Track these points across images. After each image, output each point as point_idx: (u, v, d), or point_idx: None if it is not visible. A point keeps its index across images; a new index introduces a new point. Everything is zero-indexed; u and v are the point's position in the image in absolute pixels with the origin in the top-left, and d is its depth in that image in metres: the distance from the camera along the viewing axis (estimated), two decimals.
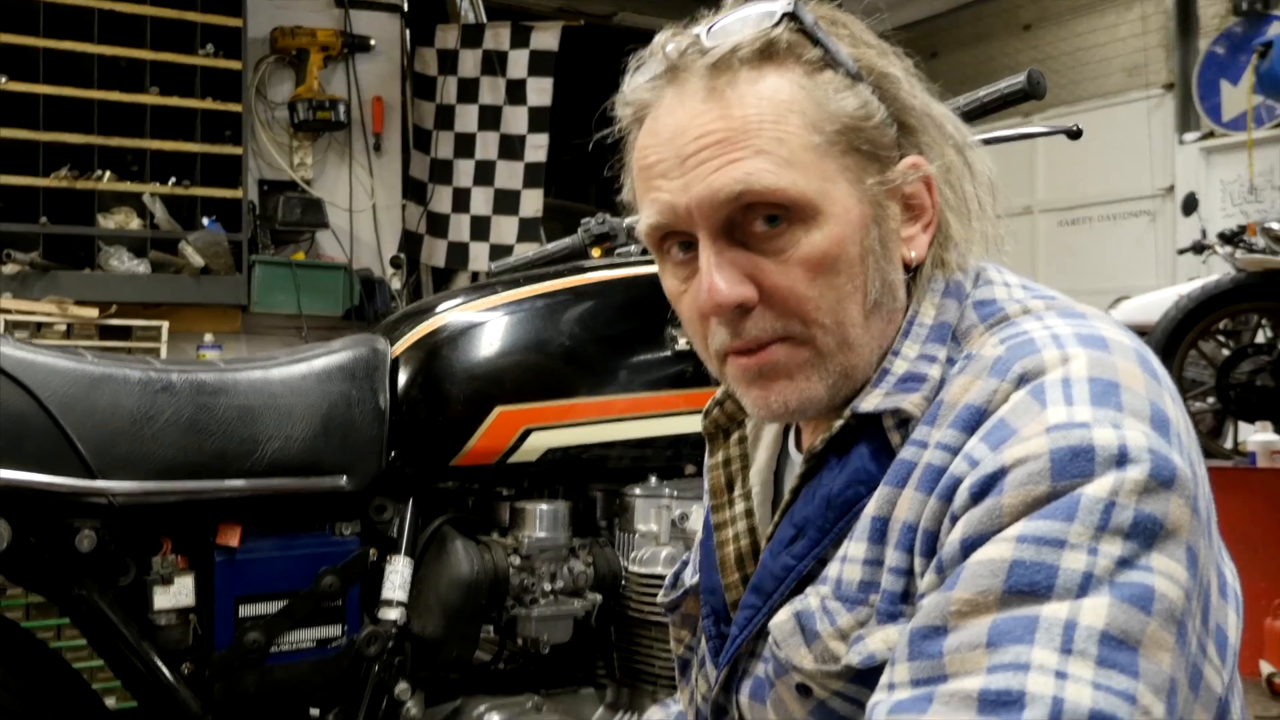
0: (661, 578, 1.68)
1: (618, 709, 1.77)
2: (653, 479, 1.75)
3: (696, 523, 1.72)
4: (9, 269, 3.92)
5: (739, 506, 1.19)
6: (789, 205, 0.85)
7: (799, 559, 1.01)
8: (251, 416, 1.45)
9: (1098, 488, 0.75)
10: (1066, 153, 6.81)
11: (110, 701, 2.23)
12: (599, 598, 1.69)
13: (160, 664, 1.40)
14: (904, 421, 0.94)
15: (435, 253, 5.24)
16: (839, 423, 0.97)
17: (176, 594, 1.41)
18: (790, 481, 1.08)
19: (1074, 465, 0.76)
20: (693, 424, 1.69)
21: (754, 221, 0.86)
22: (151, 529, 1.42)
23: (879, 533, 0.93)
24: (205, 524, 1.45)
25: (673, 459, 1.77)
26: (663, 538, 1.71)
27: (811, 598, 0.98)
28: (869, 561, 0.93)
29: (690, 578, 1.26)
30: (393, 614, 1.54)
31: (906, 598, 0.90)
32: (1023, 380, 0.82)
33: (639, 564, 1.71)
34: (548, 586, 1.65)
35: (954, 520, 0.84)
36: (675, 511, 1.72)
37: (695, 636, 1.27)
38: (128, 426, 1.36)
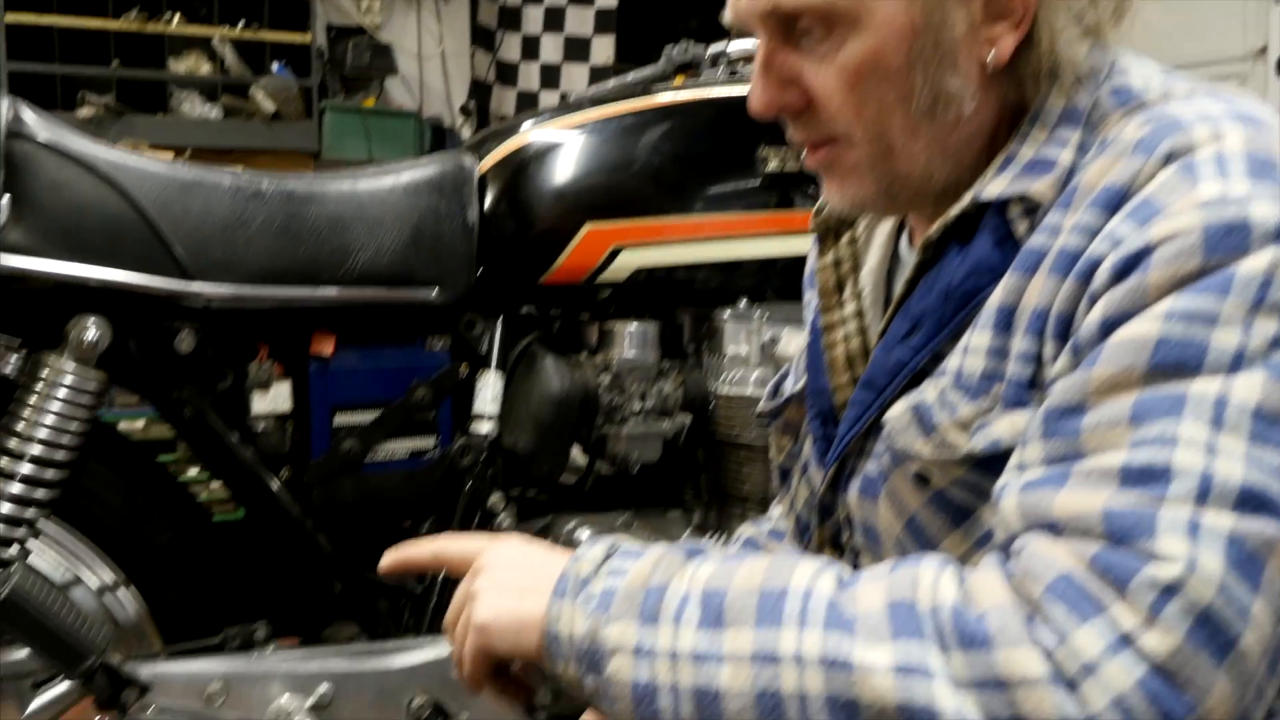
0: (752, 400, 1.66)
1: (706, 529, 1.78)
2: (742, 302, 1.72)
3: (787, 346, 1.69)
4: (84, 112, 3.92)
5: (849, 307, 1.16)
6: (822, 16, 0.85)
7: (914, 352, 0.99)
8: (341, 225, 1.43)
9: (1254, 263, 0.71)
10: (1153, 11, 6.49)
11: None
12: (688, 419, 1.68)
13: (260, 469, 1.42)
14: (1031, 210, 0.90)
15: (504, 102, 5.16)
16: (957, 210, 0.94)
17: (274, 400, 1.41)
18: (903, 282, 1.05)
19: (1228, 240, 0.72)
20: (782, 247, 1.65)
21: (801, 28, 0.86)
22: (247, 335, 1.42)
23: (1004, 322, 0.90)
24: (300, 332, 1.45)
25: (761, 282, 1.74)
26: (752, 361, 1.69)
27: (929, 391, 0.96)
28: (993, 351, 0.91)
29: (792, 385, 1.24)
30: (484, 427, 1.54)
31: (1034, 385, 0.88)
32: (1171, 157, 0.78)
33: (729, 386, 1.69)
34: (637, 406, 1.64)
35: (1093, 301, 0.81)
36: (765, 335, 1.70)
37: (797, 443, 1.26)
38: (221, 231, 1.35)
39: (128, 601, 1.46)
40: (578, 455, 1.66)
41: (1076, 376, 0.77)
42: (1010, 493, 0.79)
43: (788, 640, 0.77)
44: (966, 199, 0.93)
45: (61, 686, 1.44)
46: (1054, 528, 0.74)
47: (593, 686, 0.85)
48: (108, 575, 1.45)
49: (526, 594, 0.90)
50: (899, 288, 1.05)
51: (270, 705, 1.37)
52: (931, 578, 0.77)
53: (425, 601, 1.54)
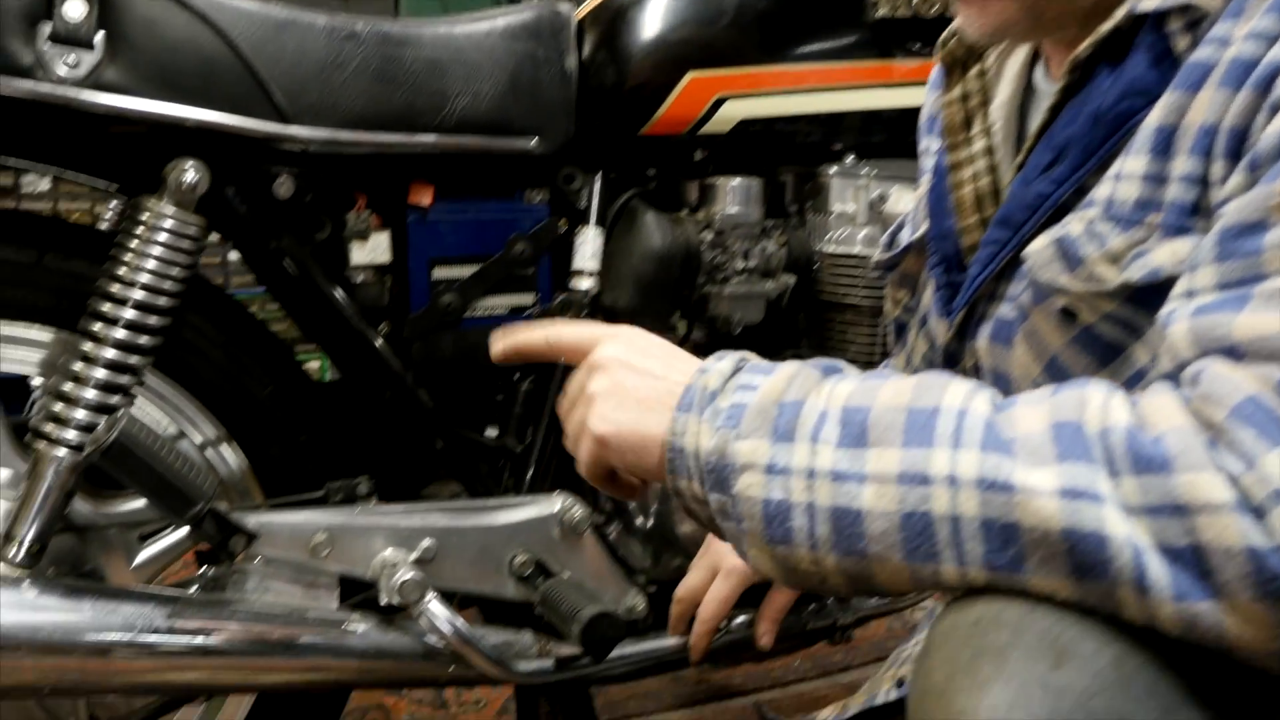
0: (859, 259, 1.60)
1: None
2: (849, 158, 1.64)
3: (895, 203, 1.62)
4: None
5: (978, 144, 1.10)
6: None
7: (1058, 184, 0.93)
8: (439, 70, 1.37)
9: None
10: None
11: None
12: (792, 279, 1.62)
13: (360, 323, 1.39)
14: (1194, 22, 0.83)
15: None
16: (1110, 24, 0.87)
17: (372, 250, 1.38)
18: (1038, 116, 0.99)
19: None
20: (889, 99, 1.57)
21: None
22: (345, 182, 1.38)
23: (1163, 144, 0.83)
24: (397, 181, 1.41)
25: (867, 137, 1.66)
26: (859, 218, 1.62)
27: (1074, 224, 0.90)
28: (1149, 177, 0.84)
29: (910, 234, 1.18)
30: (585, 283, 1.50)
31: (1198, 210, 0.81)
32: None
33: (834, 244, 1.63)
34: (740, 265, 1.59)
35: (1274, 111, 0.74)
36: (873, 191, 1.63)
37: (915, 296, 1.20)
38: (317, 73, 1.30)
39: (230, 457, 1.46)
40: (675, 317, 1.61)
41: (1255, 193, 0.71)
42: (1180, 319, 0.73)
43: (940, 461, 0.72)
44: (1121, 13, 0.87)
45: (169, 539, 1.45)
46: (1235, 351, 0.68)
47: (718, 504, 0.82)
48: (210, 431, 1.44)
49: (648, 409, 0.87)
50: (1035, 120, 1.00)
51: (374, 558, 1.36)
52: (1100, 400, 0.71)
53: (525, 461, 1.51)
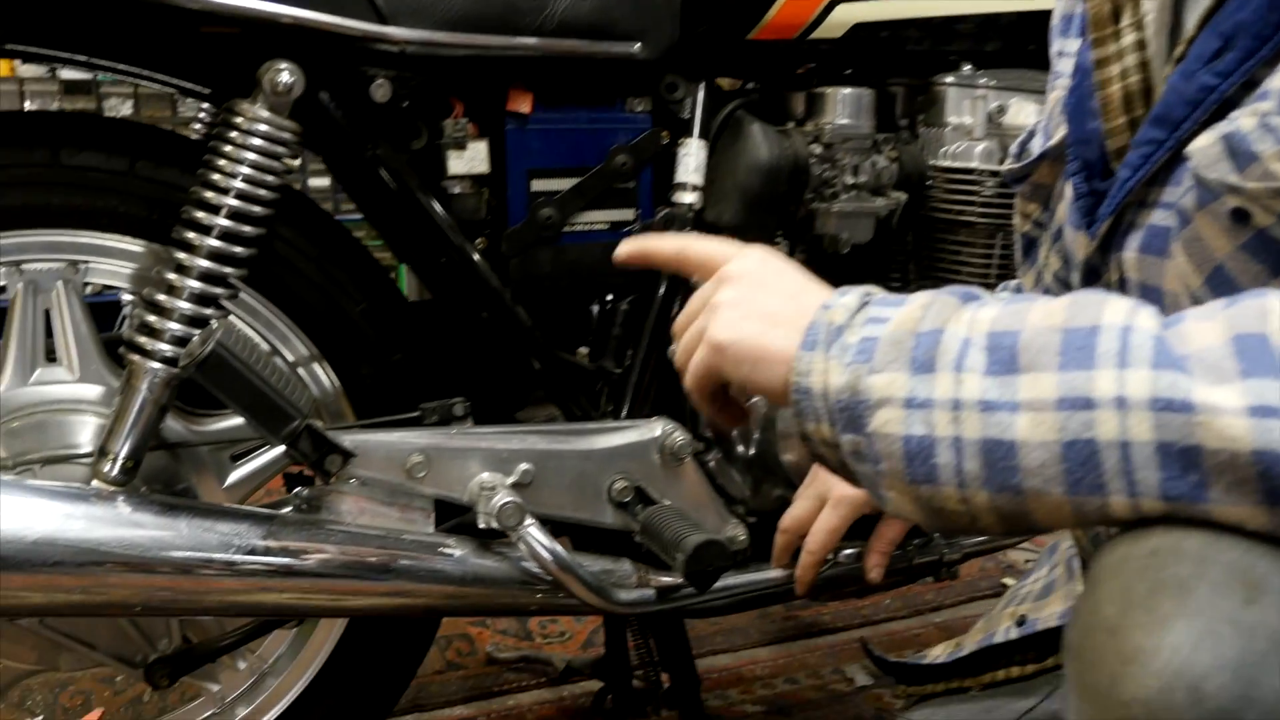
0: (976, 173, 1.51)
1: None
2: (966, 67, 1.55)
3: (1015, 115, 1.53)
4: None
5: (1128, 38, 1.00)
6: None
7: (1224, 76, 0.84)
8: None
9: None
10: None
11: None
12: (903, 196, 1.54)
13: (456, 236, 1.33)
14: None
15: None
16: None
17: (470, 160, 1.32)
18: (1199, 3, 0.90)
19: None
20: (1011, 1, 1.48)
21: None
22: (442, 88, 1.31)
23: None
24: (496, 87, 1.34)
25: (982, 46, 1.56)
26: (977, 131, 1.53)
27: (1243, 119, 0.81)
28: None
29: (1043, 142, 1.09)
30: (688, 197, 1.43)
31: None
32: None
33: (950, 159, 1.54)
34: (849, 180, 1.51)
35: None
36: (992, 103, 1.53)
37: (1047, 209, 1.11)
38: None
39: (322, 377, 1.41)
40: (778, 236, 1.54)
41: None
42: None
43: (1104, 382, 0.65)
44: None
45: (262, 459, 1.41)
46: None
47: (851, 446, 0.75)
48: (301, 349, 1.40)
49: (775, 324, 0.82)
50: (1196, 8, 0.90)
51: (470, 481, 1.32)
52: None
53: (624, 384, 1.45)
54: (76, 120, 1.28)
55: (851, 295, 0.81)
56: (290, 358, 1.39)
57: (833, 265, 1.59)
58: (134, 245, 1.30)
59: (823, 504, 1.36)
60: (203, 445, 1.32)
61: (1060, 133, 1.03)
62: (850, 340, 0.76)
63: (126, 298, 1.55)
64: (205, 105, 1.52)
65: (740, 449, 1.54)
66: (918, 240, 1.61)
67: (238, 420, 1.32)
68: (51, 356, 1.33)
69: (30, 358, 1.32)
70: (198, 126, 1.55)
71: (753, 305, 0.83)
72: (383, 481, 1.29)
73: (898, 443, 0.72)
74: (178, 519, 1.14)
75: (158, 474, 1.33)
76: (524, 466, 1.34)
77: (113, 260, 1.31)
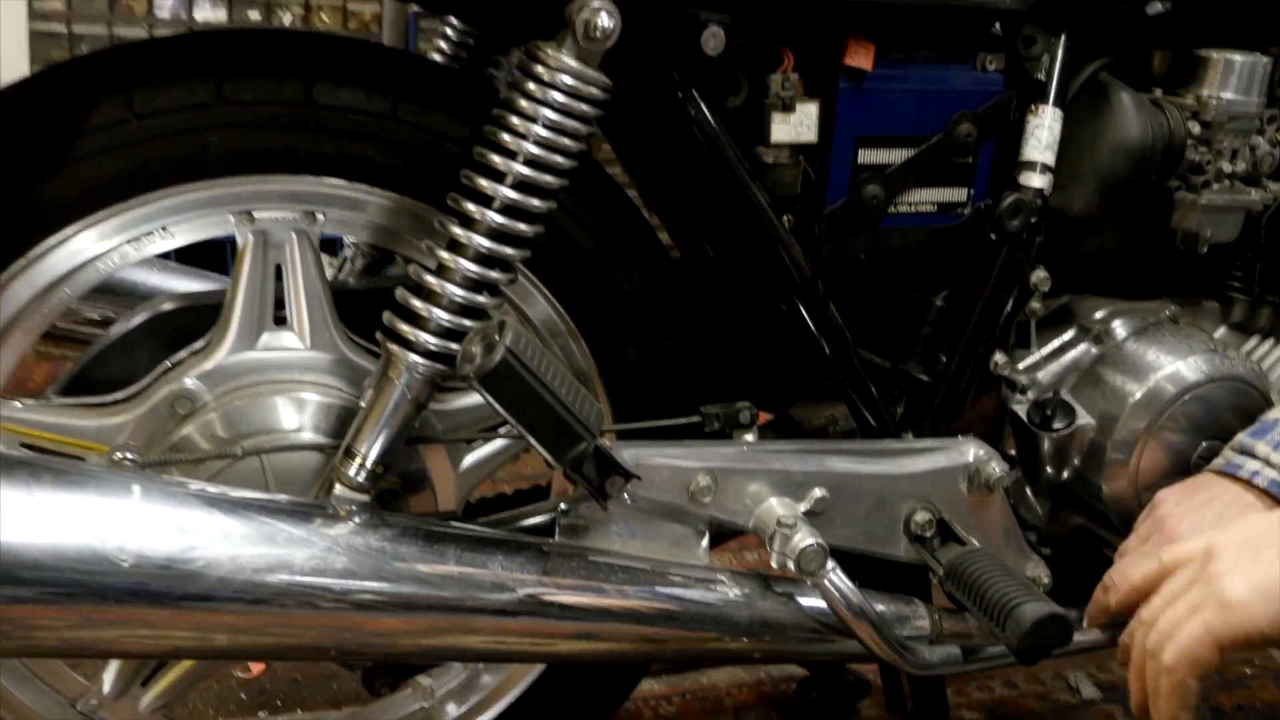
0: None
1: (1251, 332, 1.38)
2: None
3: None
4: None
5: None
6: None
7: None
8: None
9: None
10: None
11: None
12: None
13: (769, 216, 1.09)
14: None
15: None
16: None
17: (796, 125, 1.07)
18: None
19: None
20: None
21: None
22: (772, 34, 1.06)
23: None
24: (834, 37, 1.08)
25: None
26: None
27: None
28: None
29: None
30: (1037, 180, 1.17)
31: None
32: None
33: None
34: (1225, 167, 1.23)
35: None
36: None
37: None
38: None
39: (574, 358, 1.21)
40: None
41: None
42: None
43: None
44: None
45: (499, 443, 1.22)
46: None
47: None
48: (551, 318, 1.19)
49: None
50: None
51: (758, 507, 1.11)
52: None
53: (930, 394, 1.22)
54: (335, 48, 1.06)
55: None
56: (538, 326, 1.18)
57: (1179, 266, 1.33)
58: (384, 199, 1.10)
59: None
60: (455, 439, 1.13)
61: None
62: None
63: (348, 240, 1.35)
64: (451, 21, 1.28)
65: (1049, 472, 1.30)
66: (1276, 239, 1.33)
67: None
68: (280, 320, 1.14)
69: (257, 319, 1.13)
70: (440, 47, 1.31)
71: (1254, 553, 0.76)
72: (658, 502, 1.08)
73: None
74: (444, 552, 0.95)
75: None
76: (818, 493, 1.13)
77: (357, 213, 1.11)
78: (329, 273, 1.19)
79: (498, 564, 0.96)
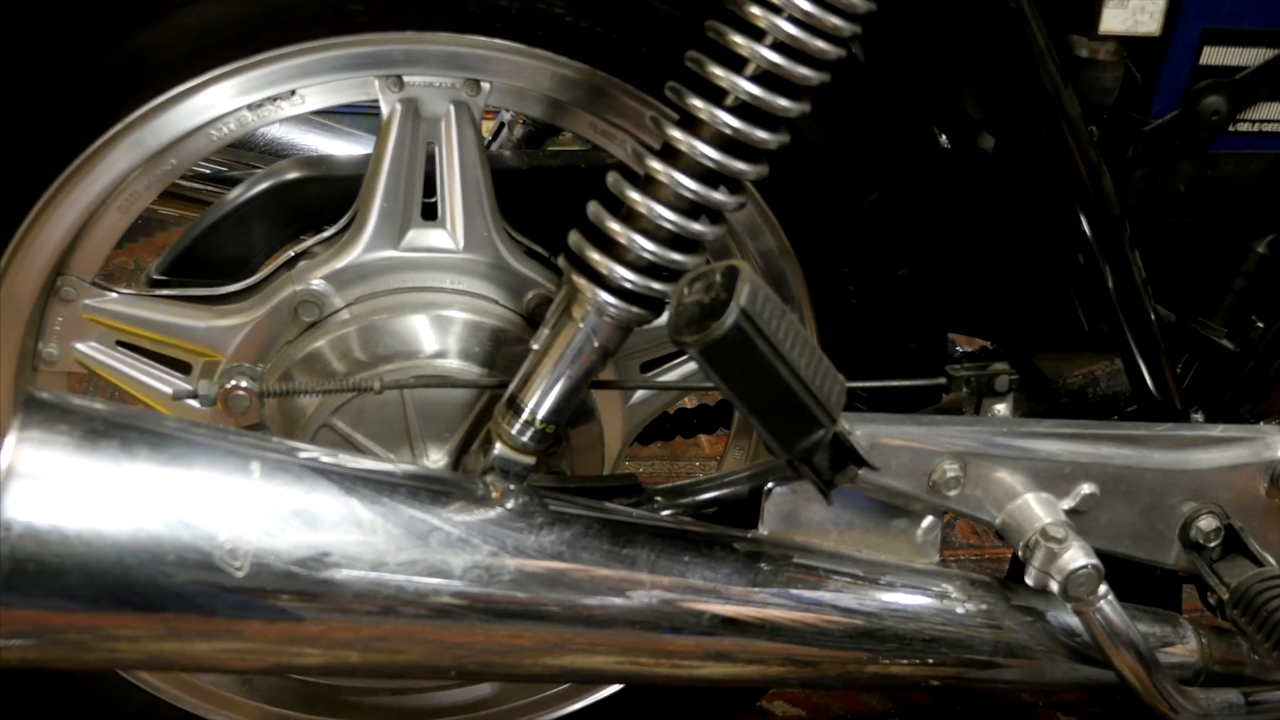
0: None
1: None
2: None
3: None
4: None
5: None
6: None
7: None
8: None
9: None
10: None
11: None
12: None
13: (1077, 123, 0.82)
14: None
15: None
16: None
17: (1137, 11, 0.78)
18: None
19: None
20: None
21: None
22: None
23: None
24: None
25: None
26: None
27: None
28: None
29: None
30: None
31: None
32: None
33: None
34: None
35: None
36: None
37: None
38: None
39: (783, 282, 0.97)
40: None
41: None
42: None
43: None
44: None
45: (679, 369, 1.00)
46: None
47: None
48: (757, 234, 0.94)
49: None
50: None
51: (1011, 504, 0.87)
52: None
53: (1236, 365, 0.96)
54: None
55: None
56: (740, 239, 0.94)
57: None
58: (569, 70, 0.85)
59: None
60: (647, 387, 0.90)
61: None
62: None
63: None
64: None
65: None
66: None
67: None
68: (430, 214, 0.92)
69: (402, 211, 0.91)
70: None
71: None
72: (894, 491, 0.86)
73: None
74: (635, 554, 0.74)
75: None
76: (1086, 489, 0.89)
77: (531, 85, 0.87)
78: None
79: (698, 572, 0.74)
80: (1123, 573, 0.96)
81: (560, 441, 0.94)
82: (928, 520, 0.91)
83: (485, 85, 0.88)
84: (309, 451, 0.68)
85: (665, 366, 1.03)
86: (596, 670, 0.75)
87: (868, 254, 0.95)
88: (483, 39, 0.83)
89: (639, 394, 1.02)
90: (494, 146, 1.26)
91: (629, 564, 0.72)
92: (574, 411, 0.94)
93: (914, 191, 0.93)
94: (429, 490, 0.72)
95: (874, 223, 0.93)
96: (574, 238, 0.78)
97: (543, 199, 1.02)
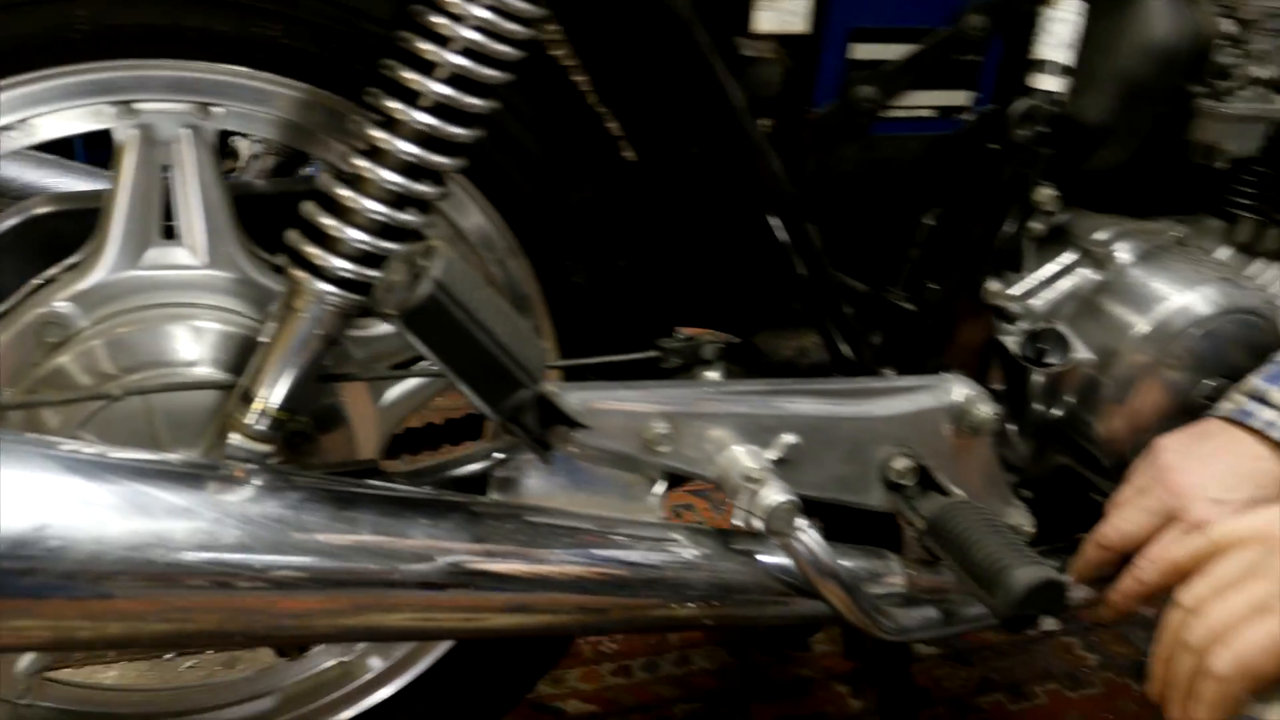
0: None
1: (1257, 254, 1.26)
2: None
3: None
4: None
5: None
6: None
7: None
8: None
9: None
10: None
11: None
12: None
13: (748, 120, 0.94)
14: None
15: None
16: None
17: (785, 13, 0.91)
18: None
19: None
20: None
21: None
22: None
23: None
24: None
25: None
26: None
27: None
28: None
29: None
30: (1051, 82, 1.02)
31: None
32: None
33: None
34: (1254, 72, 1.09)
35: None
36: None
37: None
38: None
39: (514, 279, 1.05)
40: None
41: None
42: None
43: None
44: None
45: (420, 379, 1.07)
46: None
47: None
48: (491, 236, 1.03)
49: None
50: None
51: (721, 454, 0.97)
52: None
53: (915, 324, 1.08)
54: None
55: None
56: (473, 241, 1.03)
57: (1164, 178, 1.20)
58: (293, 90, 0.92)
59: (1167, 522, 1.01)
60: (373, 378, 0.97)
61: None
62: None
63: (241, 146, 1.18)
64: None
65: (1035, 409, 1.18)
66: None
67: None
68: (169, 233, 0.97)
69: (141, 231, 0.96)
70: None
71: None
72: (609, 451, 0.95)
73: None
74: (357, 518, 0.81)
75: None
76: (789, 439, 1.00)
77: (260, 107, 0.93)
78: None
79: (421, 530, 0.82)
80: (847, 523, 1.08)
81: (309, 440, 1.00)
82: (654, 485, 1.00)
83: (216, 110, 0.94)
84: (34, 440, 0.73)
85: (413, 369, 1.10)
86: (329, 628, 0.81)
87: (586, 248, 1.04)
88: (205, 64, 0.90)
89: (390, 395, 1.08)
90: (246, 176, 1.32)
91: (350, 526, 0.79)
92: (324, 414, 1.01)
93: (616, 189, 1.03)
94: (171, 472, 0.78)
95: (588, 219, 1.03)
96: (292, 235, 0.85)
97: (288, 219, 1.08)
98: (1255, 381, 1.02)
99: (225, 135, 1.21)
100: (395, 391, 1.08)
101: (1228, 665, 0.63)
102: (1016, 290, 1.15)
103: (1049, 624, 1.84)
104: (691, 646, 1.65)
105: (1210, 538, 0.71)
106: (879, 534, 1.14)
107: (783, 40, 0.94)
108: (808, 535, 0.95)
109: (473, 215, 1.02)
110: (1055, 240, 1.18)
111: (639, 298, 1.08)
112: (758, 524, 0.94)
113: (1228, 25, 1.06)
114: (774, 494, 0.93)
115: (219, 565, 0.74)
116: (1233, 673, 0.63)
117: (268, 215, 1.04)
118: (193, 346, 0.95)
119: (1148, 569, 0.87)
